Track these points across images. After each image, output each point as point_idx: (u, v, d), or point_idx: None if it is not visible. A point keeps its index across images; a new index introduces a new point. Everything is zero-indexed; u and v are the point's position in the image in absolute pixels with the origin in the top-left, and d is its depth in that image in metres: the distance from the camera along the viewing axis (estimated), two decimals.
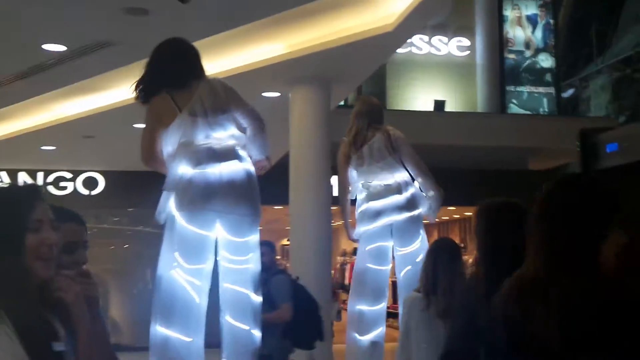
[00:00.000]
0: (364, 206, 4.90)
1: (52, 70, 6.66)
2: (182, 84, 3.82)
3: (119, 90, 7.91)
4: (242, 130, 3.91)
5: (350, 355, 4.91)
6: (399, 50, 14.72)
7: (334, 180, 7.73)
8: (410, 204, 4.85)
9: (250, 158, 3.94)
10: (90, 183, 13.42)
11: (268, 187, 4.15)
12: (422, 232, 4.92)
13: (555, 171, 15.84)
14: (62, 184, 13.29)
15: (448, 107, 14.41)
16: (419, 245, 4.82)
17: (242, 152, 3.88)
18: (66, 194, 13.09)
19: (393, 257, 4.97)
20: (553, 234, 1.85)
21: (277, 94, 7.91)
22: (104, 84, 7.70)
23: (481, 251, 2.59)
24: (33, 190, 1.87)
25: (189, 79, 3.84)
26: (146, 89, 3.87)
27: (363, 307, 4.86)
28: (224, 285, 3.84)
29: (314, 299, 5.32)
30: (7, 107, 8.46)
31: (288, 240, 20.98)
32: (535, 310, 1.77)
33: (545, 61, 15.91)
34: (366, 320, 4.84)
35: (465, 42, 15.42)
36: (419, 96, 14.91)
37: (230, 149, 3.82)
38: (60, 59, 6.36)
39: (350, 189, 5.04)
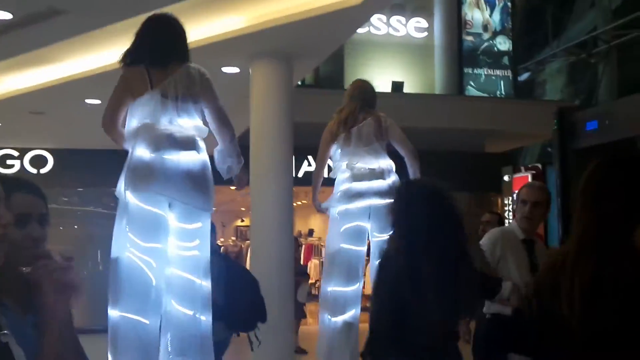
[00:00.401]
0: (346, 186, 4.91)
1: None
2: (161, 62, 3.80)
3: (70, 63, 7.55)
4: (206, 124, 3.94)
5: (322, 336, 4.91)
6: (358, 30, 14.49)
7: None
8: (392, 191, 4.78)
9: (225, 168, 3.99)
10: (38, 161, 12.95)
11: None
12: None
13: (511, 154, 15.91)
14: (8, 162, 12.78)
15: (406, 89, 14.29)
16: None
17: (201, 144, 3.86)
18: (12, 173, 12.59)
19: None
20: (586, 211, 1.84)
21: (236, 70, 7.61)
22: (54, 55, 7.31)
23: (398, 228, 2.70)
24: None
25: (170, 58, 3.82)
26: (126, 56, 3.86)
27: (335, 287, 4.86)
28: (172, 270, 3.78)
29: (252, 278, 5.14)
30: None
31: (242, 221, 20.87)
32: (561, 285, 1.77)
33: (503, 44, 15.90)
34: (339, 301, 4.85)
35: (423, 23, 15.31)
36: (376, 77, 14.74)
37: (191, 138, 3.81)
38: (5, 28, 5.98)
39: (330, 166, 5.12)
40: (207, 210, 3.83)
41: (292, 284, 7.29)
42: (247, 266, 9.02)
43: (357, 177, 4.88)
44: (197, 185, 3.75)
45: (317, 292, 10.85)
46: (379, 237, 4.84)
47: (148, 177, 3.66)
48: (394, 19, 15.09)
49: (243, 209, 19.21)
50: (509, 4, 16.16)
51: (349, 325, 4.83)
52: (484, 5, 15.94)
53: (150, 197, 3.67)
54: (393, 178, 4.96)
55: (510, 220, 12.05)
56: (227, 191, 15.20)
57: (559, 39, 18.50)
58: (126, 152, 3.81)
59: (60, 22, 5.86)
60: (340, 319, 4.84)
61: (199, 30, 6.78)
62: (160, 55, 3.80)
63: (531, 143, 16.63)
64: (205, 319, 3.81)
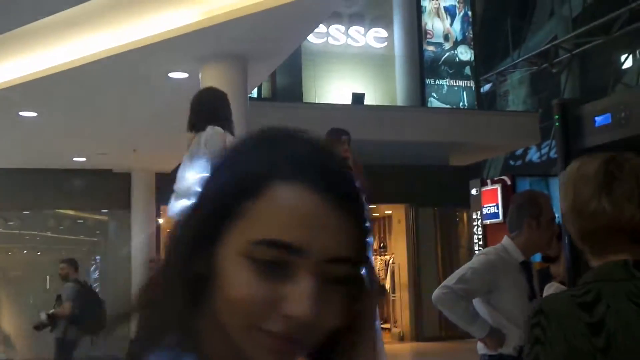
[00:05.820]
0: None
1: None
2: None
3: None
4: None
5: None
6: (315, 41, 14.02)
7: None
8: None
9: None
10: None
11: None
12: None
13: (475, 167, 15.44)
14: None
15: (367, 100, 13.75)
16: None
17: None
18: None
19: None
20: None
21: (184, 75, 6.89)
22: None
23: None
24: None
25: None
26: None
27: None
28: None
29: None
30: None
31: None
32: None
33: (464, 54, 15.46)
34: None
35: (383, 33, 14.85)
36: (336, 89, 14.20)
37: None
38: None
39: None
40: None
41: None
42: None
43: None
44: None
45: None
46: None
47: None
48: (353, 30, 14.60)
49: None
50: (469, 12, 15.75)
51: None
52: (444, 14, 15.51)
53: None
54: None
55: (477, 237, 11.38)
56: None
57: (520, 49, 18.24)
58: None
59: None
60: None
61: (142, 28, 6.10)
62: None
63: (495, 155, 16.22)
64: None
